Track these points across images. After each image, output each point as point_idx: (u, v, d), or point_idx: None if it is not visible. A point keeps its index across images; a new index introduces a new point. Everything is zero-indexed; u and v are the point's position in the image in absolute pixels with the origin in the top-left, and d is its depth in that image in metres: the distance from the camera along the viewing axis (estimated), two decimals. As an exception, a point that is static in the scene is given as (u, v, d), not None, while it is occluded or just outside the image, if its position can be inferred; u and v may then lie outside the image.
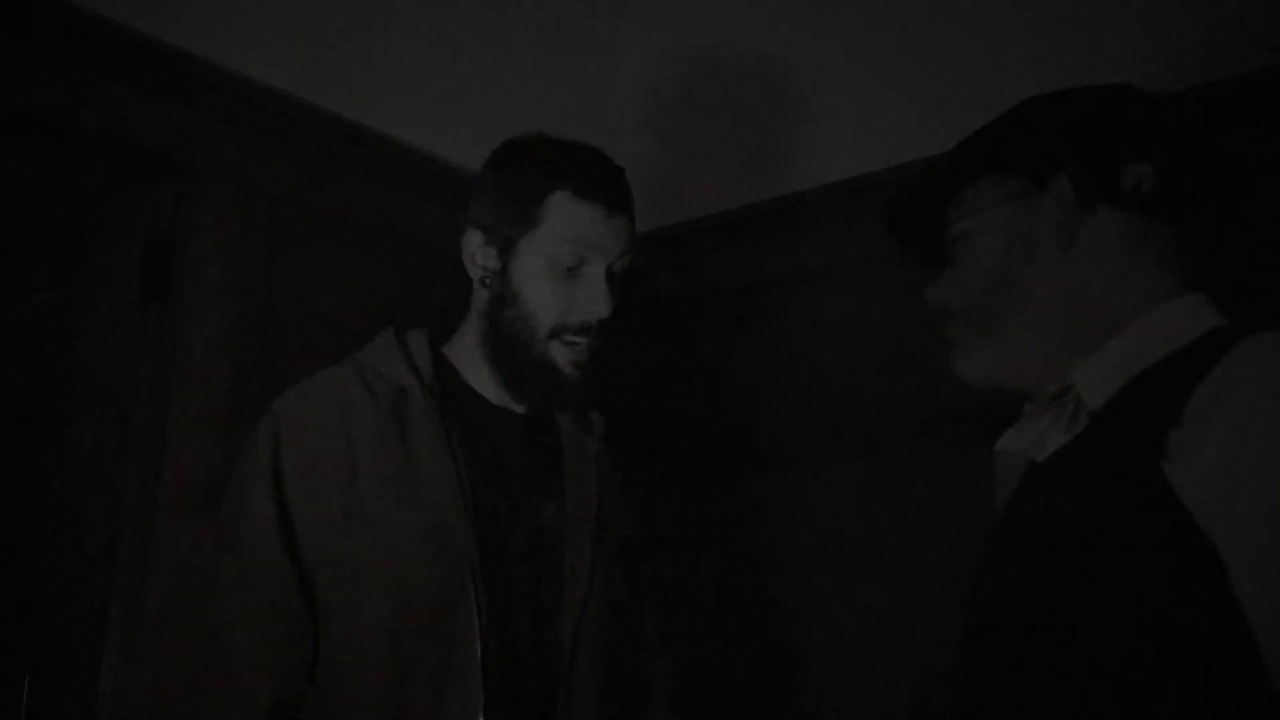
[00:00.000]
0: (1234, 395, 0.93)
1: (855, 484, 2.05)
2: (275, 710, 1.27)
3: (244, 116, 1.76)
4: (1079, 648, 0.95)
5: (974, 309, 1.16)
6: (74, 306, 1.61)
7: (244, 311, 1.72)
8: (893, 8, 1.75)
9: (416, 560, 1.30)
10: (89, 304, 1.63)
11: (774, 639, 2.12)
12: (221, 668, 1.27)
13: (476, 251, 1.43)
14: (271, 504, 1.31)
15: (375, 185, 1.87)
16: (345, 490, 1.32)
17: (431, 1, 1.73)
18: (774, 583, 2.14)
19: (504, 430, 1.44)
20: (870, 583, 2.02)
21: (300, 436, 1.35)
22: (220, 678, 1.27)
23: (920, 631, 1.85)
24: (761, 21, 1.98)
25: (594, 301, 1.38)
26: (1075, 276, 1.11)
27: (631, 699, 1.46)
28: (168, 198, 1.70)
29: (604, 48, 2.18)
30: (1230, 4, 1.59)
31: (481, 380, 1.45)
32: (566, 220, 1.38)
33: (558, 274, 1.38)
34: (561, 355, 1.39)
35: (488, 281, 1.42)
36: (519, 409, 1.46)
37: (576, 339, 1.39)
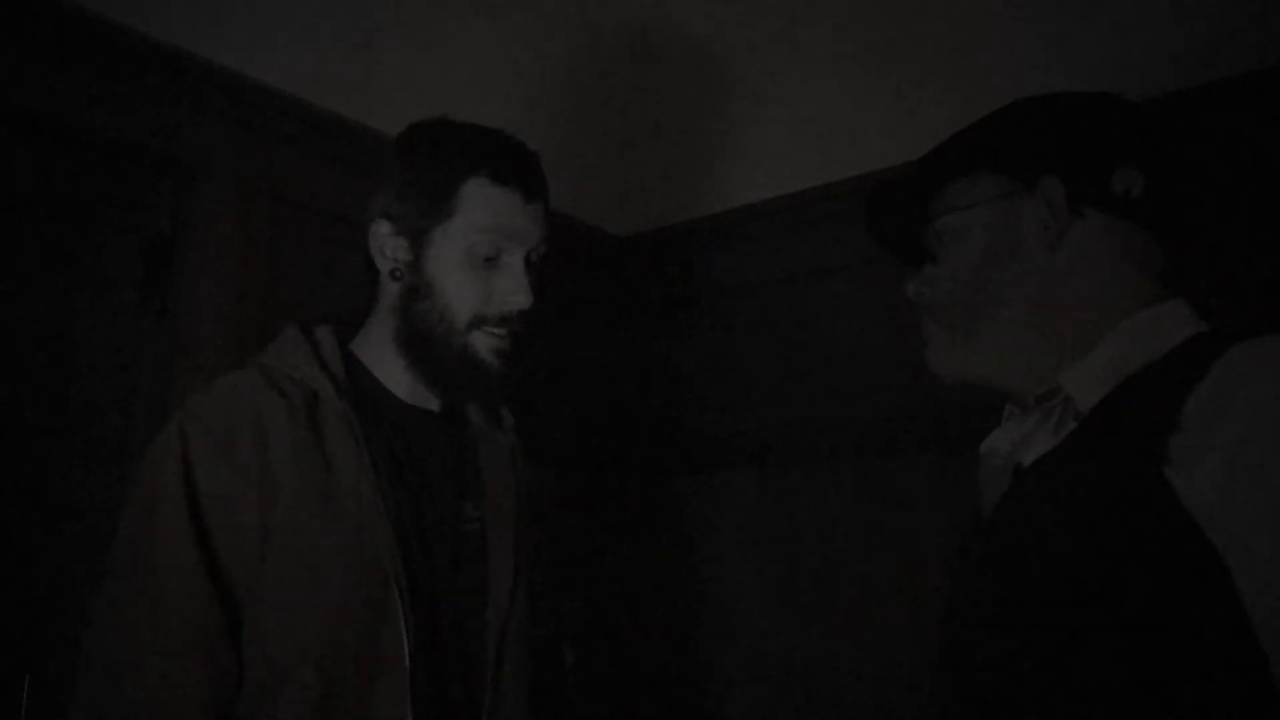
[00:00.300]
0: (1236, 400, 0.92)
1: (851, 485, 2.06)
2: None
3: (244, 116, 1.77)
4: (1079, 649, 0.94)
5: (953, 304, 1.15)
6: (73, 306, 1.62)
7: (243, 311, 1.73)
8: (882, 8, 1.75)
9: (341, 579, 1.23)
10: (89, 304, 1.64)
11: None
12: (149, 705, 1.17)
13: (385, 243, 1.35)
14: (187, 531, 1.20)
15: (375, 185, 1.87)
16: (266, 509, 1.23)
17: (432, 1, 1.73)
18: (751, 584, 2.17)
19: (419, 430, 1.37)
20: (870, 583, 2.02)
21: (212, 455, 1.24)
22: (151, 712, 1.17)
23: (897, 635, 1.86)
24: (762, 22, 1.97)
25: (514, 292, 1.32)
26: (1060, 278, 1.10)
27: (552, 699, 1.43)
28: (167, 197, 1.71)
29: (605, 48, 2.18)
30: (1197, 15, 1.58)
31: (394, 378, 1.37)
32: (483, 208, 1.32)
33: (475, 264, 1.32)
34: (483, 345, 1.33)
35: (399, 274, 1.35)
36: (433, 407, 1.40)
37: (497, 330, 1.33)
